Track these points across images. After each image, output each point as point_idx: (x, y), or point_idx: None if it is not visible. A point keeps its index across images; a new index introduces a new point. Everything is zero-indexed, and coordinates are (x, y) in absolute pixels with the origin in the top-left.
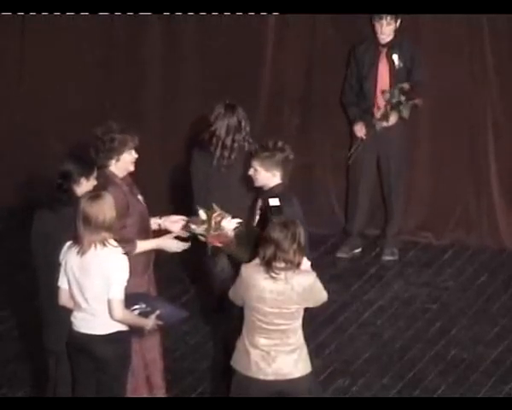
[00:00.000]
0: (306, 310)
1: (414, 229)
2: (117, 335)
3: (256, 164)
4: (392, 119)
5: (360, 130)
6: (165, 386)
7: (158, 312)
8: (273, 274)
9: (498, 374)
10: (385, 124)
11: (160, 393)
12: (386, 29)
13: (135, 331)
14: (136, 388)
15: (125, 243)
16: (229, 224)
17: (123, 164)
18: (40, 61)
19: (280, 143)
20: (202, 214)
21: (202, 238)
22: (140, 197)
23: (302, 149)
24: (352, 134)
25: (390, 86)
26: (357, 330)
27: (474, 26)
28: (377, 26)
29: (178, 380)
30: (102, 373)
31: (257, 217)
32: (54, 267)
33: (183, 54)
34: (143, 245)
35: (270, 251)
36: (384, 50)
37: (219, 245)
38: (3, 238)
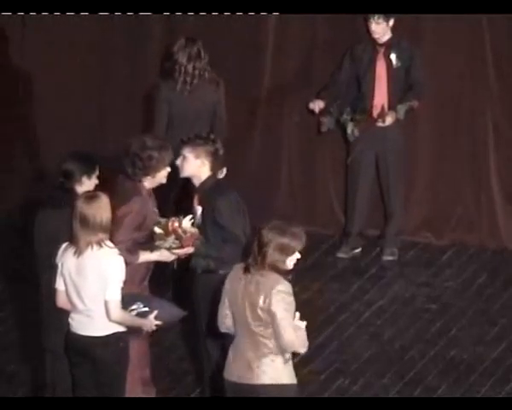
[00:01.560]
0: None
1: (414, 229)
2: (115, 336)
3: (186, 151)
4: (389, 119)
5: (317, 106)
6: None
7: (155, 312)
8: (246, 269)
9: (498, 374)
10: (381, 124)
11: (152, 391)
12: (377, 28)
13: (132, 332)
14: (130, 388)
15: (129, 252)
16: (187, 222)
17: (157, 179)
18: (40, 60)
19: (212, 136)
20: (158, 230)
21: (177, 250)
22: (155, 210)
23: (302, 148)
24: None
25: (388, 87)
26: (357, 330)
27: (474, 26)
28: (368, 25)
29: (177, 381)
30: (101, 375)
31: (198, 213)
32: (55, 266)
33: None
34: (145, 257)
35: (254, 249)
36: (382, 50)
37: (191, 247)
38: (3, 238)
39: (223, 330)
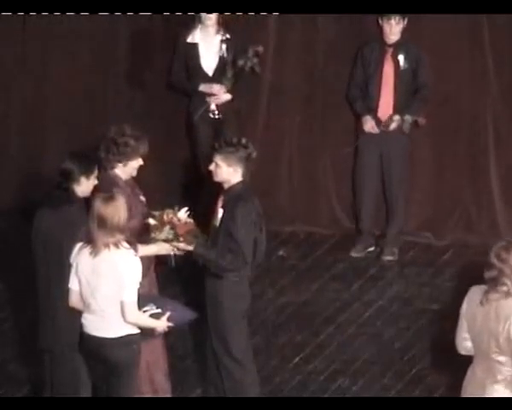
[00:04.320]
0: None
1: (414, 229)
2: (127, 338)
3: (218, 159)
4: (394, 125)
5: (370, 126)
6: (170, 388)
7: (168, 313)
8: (488, 296)
9: None
10: (384, 129)
11: (165, 395)
12: (396, 28)
13: (145, 333)
14: (137, 388)
15: (128, 245)
16: (183, 213)
17: (129, 169)
18: (40, 60)
19: (244, 140)
20: (152, 221)
21: (173, 242)
22: (142, 198)
23: (303, 148)
24: (357, 129)
25: (394, 88)
26: (357, 330)
27: (474, 26)
28: (386, 26)
29: (178, 380)
30: (113, 375)
31: (219, 215)
32: (53, 267)
33: None
34: (144, 250)
35: (492, 274)
36: (390, 51)
37: (186, 234)
38: (3, 238)
39: (462, 352)
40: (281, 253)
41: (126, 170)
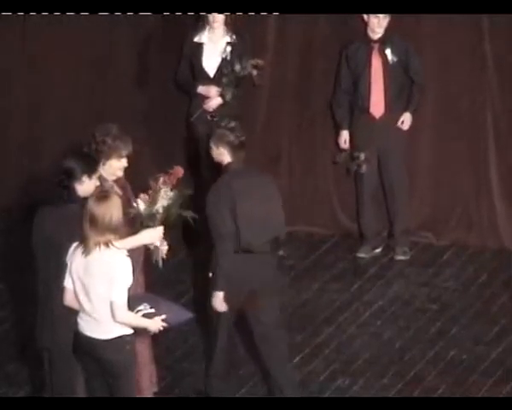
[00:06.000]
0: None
1: (414, 229)
2: (121, 339)
3: (211, 142)
4: (407, 125)
5: (343, 140)
6: (152, 389)
7: (162, 313)
8: None
9: (498, 374)
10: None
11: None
12: (383, 21)
13: (139, 334)
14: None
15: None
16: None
17: (109, 168)
18: (40, 61)
19: (232, 124)
20: (137, 201)
21: (172, 208)
22: (133, 201)
23: (302, 147)
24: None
25: (384, 84)
26: (357, 330)
27: (474, 25)
28: (374, 21)
29: (178, 380)
30: (109, 376)
31: None
32: (53, 265)
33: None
34: (124, 244)
35: None
36: (376, 47)
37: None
38: (3, 238)
39: None
40: (281, 253)
41: (107, 169)
